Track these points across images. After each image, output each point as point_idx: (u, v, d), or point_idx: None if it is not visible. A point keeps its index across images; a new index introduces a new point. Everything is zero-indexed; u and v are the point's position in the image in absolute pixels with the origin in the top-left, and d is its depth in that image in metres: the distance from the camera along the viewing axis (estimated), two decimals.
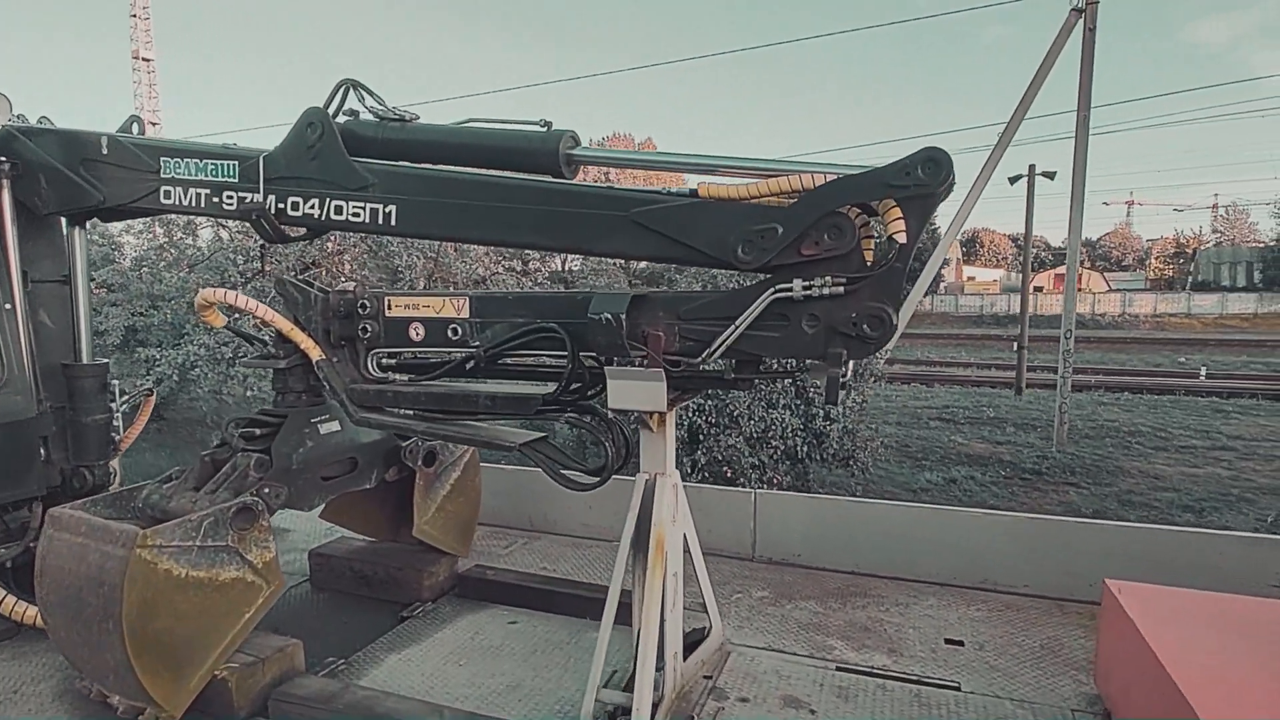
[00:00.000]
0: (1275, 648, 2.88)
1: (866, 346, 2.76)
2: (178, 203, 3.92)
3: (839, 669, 3.73)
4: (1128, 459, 13.48)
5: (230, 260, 12.26)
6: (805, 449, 9.72)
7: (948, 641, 3.99)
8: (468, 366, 3.42)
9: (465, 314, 3.41)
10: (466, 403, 3.47)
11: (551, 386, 3.34)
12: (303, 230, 3.82)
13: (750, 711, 3.37)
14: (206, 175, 3.83)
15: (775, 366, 3.34)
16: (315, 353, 3.69)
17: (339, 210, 3.53)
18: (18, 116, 4.44)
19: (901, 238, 2.62)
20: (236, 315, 4.35)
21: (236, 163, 3.74)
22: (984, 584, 4.63)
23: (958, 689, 3.53)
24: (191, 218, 12.30)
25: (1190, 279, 52.19)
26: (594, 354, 3.12)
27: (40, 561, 3.23)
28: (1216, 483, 12.01)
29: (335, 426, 3.97)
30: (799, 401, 9.61)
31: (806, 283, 2.72)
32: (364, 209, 3.47)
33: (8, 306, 4.20)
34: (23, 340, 4.23)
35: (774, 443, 9.74)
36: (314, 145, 3.53)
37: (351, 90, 3.56)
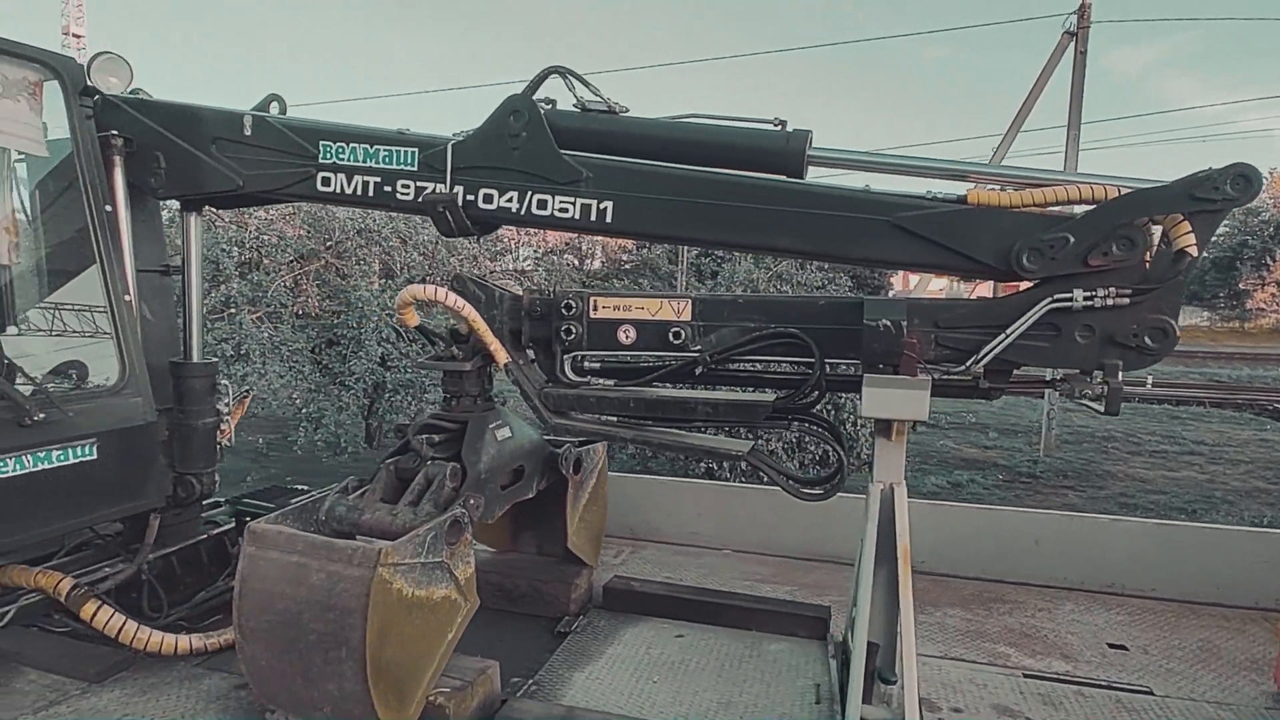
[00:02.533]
0: None
1: (1145, 358, 2.78)
2: (339, 191, 3.64)
3: (1026, 676, 3.76)
4: (1110, 463, 14.22)
5: (224, 252, 11.57)
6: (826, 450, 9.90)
7: (1111, 646, 4.08)
8: (697, 371, 3.27)
9: (687, 316, 3.29)
10: (682, 409, 3.33)
11: (748, 394, 3.26)
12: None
13: None
14: (378, 162, 3.57)
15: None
16: (502, 355, 3.48)
17: (542, 205, 3.35)
18: (134, 91, 4.04)
19: (1193, 250, 2.65)
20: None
21: (417, 150, 3.50)
22: (1112, 588, 4.77)
23: (1151, 693, 3.61)
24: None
25: None
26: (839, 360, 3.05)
27: (240, 584, 2.92)
28: (1196, 485, 12.79)
29: (508, 433, 3.76)
30: (829, 407, 9.76)
31: (1088, 293, 2.73)
32: (573, 204, 3.31)
33: (127, 298, 3.81)
34: (139, 337, 3.86)
35: (810, 449, 9.88)
36: (517, 135, 3.34)
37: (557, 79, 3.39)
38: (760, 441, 3.39)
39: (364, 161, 3.59)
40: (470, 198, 3.43)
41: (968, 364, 2.91)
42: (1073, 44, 14.07)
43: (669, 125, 3.32)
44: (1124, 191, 2.71)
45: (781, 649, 3.92)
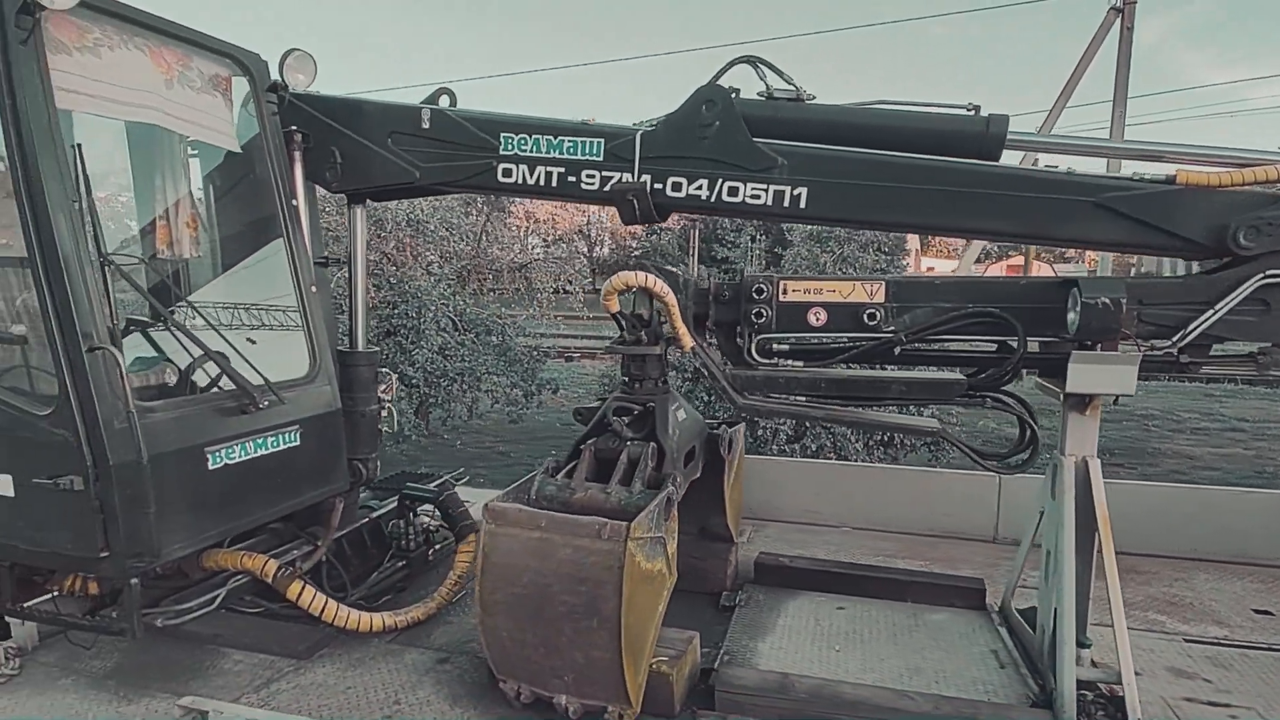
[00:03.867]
0: None
1: None
2: (520, 182, 3.73)
3: (1187, 640, 3.90)
4: (1155, 441, 14.33)
5: None
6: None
7: (1256, 612, 4.23)
8: (896, 351, 3.40)
9: (881, 298, 3.40)
10: (874, 388, 3.46)
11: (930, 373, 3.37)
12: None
13: (1150, 684, 3.48)
14: (562, 153, 3.65)
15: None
16: (688, 340, 3.60)
17: (733, 192, 3.44)
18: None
19: None
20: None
21: (602, 140, 3.58)
22: (1240, 557, 4.90)
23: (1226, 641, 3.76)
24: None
25: (1134, 270, 55.39)
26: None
27: (483, 559, 3.07)
28: (1246, 461, 12.91)
29: (683, 414, 3.89)
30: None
31: None
32: (765, 191, 3.40)
33: (314, 289, 3.94)
34: (324, 327, 3.98)
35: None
36: (710, 124, 3.43)
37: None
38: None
39: (547, 152, 3.68)
40: (658, 186, 3.53)
41: (1174, 339, 3.02)
42: (1119, 19, 14.02)
43: (859, 111, 3.41)
44: None
45: (943, 618, 4.07)
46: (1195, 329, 2.97)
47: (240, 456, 3.36)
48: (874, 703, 3.08)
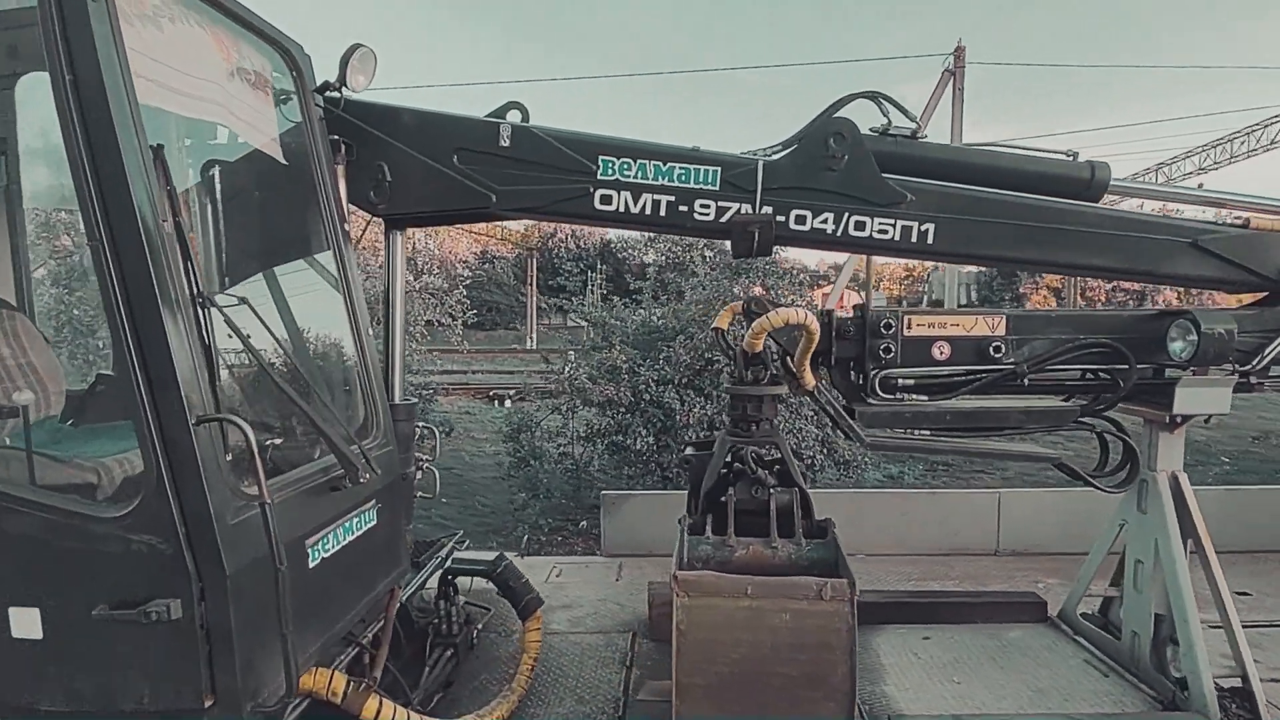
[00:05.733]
0: None
1: None
2: (622, 210, 3.42)
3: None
4: None
5: None
6: (819, 455, 10.56)
7: (1237, 594, 4.86)
8: (1024, 382, 3.50)
9: (1001, 331, 3.52)
10: (997, 419, 3.56)
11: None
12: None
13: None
14: (673, 180, 3.41)
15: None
16: (811, 379, 3.48)
17: (860, 226, 3.41)
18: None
19: None
20: None
21: (719, 169, 3.40)
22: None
23: None
24: None
25: (925, 298, 63.51)
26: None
27: (679, 639, 2.68)
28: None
29: None
30: (812, 411, 10.42)
31: None
32: (893, 226, 3.41)
33: (370, 331, 3.31)
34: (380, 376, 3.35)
35: (806, 453, 10.44)
36: (839, 157, 3.38)
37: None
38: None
39: (654, 179, 3.41)
40: (781, 219, 3.41)
41: (1254, 364, 3.42)
42: (951, 80, 16.18)
43: (975, 151, 3.54)
44: None
45: (1020, 635, 4.26)
46: (1271, 353, 3.40)
47: (333, 547, 2.71)
48: None
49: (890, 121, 3.50)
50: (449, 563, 4.09)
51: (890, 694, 3.65)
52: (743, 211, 3.40)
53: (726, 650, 2.66)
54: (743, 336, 3.62)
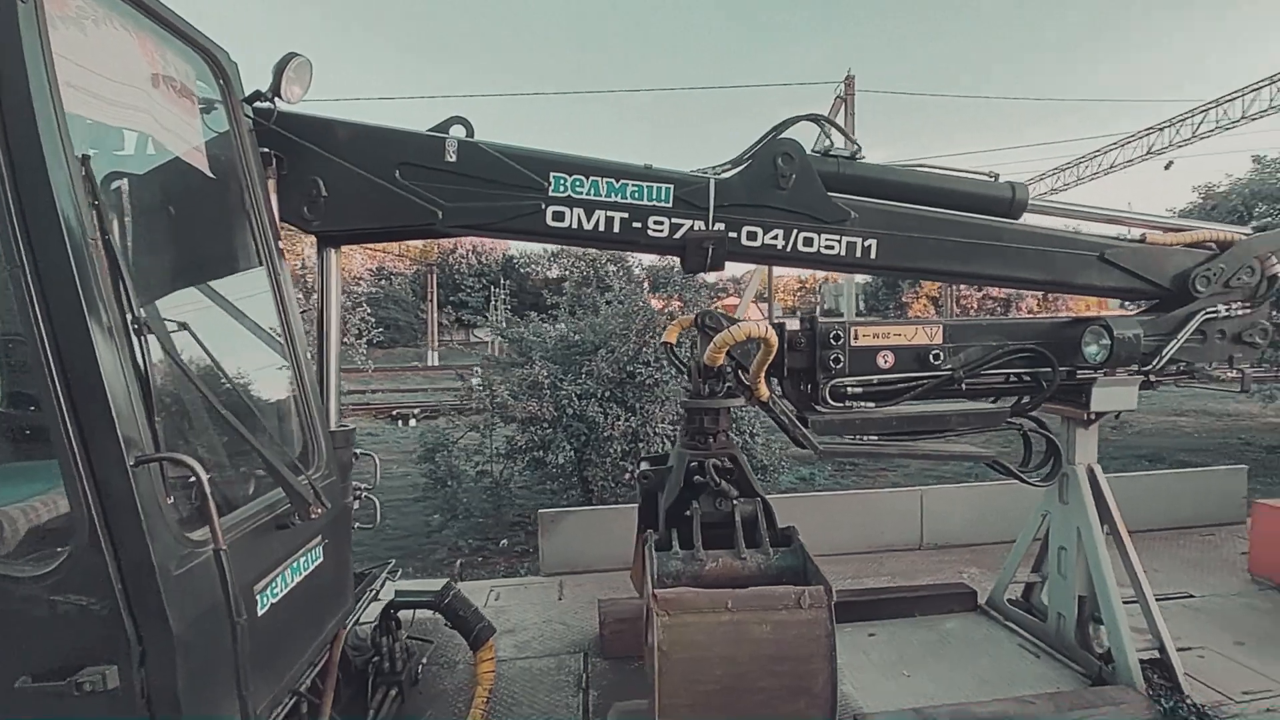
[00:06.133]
0: None
1: (1255, 351, 3.91)
2: (575, 227, 3.37)
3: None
4: None
5: None
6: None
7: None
8: (962, 387, 3.70)
9: (939, 340, 3.71)
10: (939, 422, 3.73)
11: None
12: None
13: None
14: (626, 198, 3.40)
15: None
16: (764, 389, 3.54)
17: (808, 242, 3.52)
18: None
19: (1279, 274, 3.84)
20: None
21: (672, 186, 3.42)
22: None
23: (1192, 596, 4.89)
24: None
25: (818, 308, 66.58)
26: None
27: (661, 660, 2.62)
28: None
29: None
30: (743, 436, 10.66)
31: (1228, 306, 3.79)
32: (838, 242, 3.54)
33: (310, 355, 3.09)
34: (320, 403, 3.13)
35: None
36: (787, 176, 3.47)
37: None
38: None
39: (608, 196, 3.39)
40: (733, 235, 3.46)
41: (1153, 364, 3.78)
42: (843, 106, 17.09)
43: (911, 172, 3.73)
44: (1242, 236, 3.81)
45: (956, 625, 4.49)
46: (1167, 354, 3.77)
47: (282, 591, 2.50)
48: (1007, 715, 3.30)
49: (831, 143, 3.64)
50: (385, 594, 3.86)
51: (849, 693, 3.74)
52: (696, 228, 3.42)
53: (710, 667, 2.64)
54: (688, 349, 3.65)
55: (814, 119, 3.62)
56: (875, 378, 3.70)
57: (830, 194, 3.53)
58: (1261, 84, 22.76)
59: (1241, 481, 6.69)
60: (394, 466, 13.24)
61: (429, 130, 3.37)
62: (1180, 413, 18.53)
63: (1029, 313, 42.40)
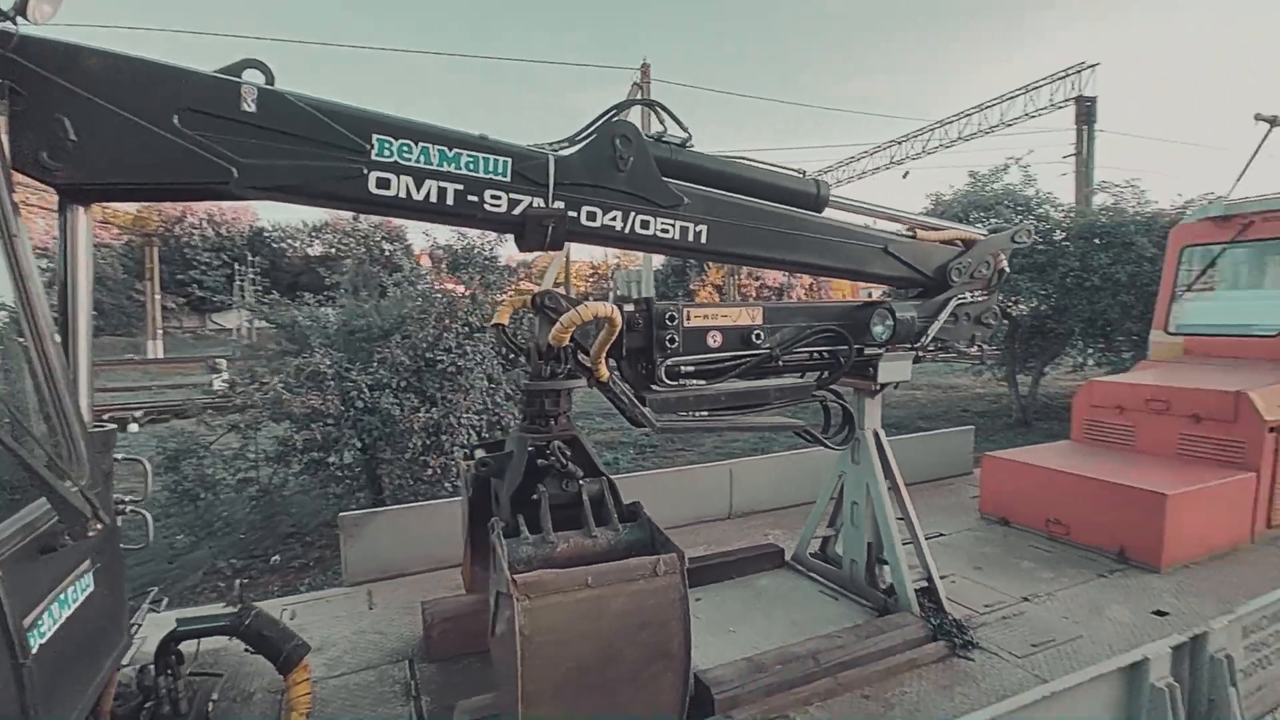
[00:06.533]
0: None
1: (989, 330, 4.77)
2: (403, 195, 3.14)
3: None
4: None
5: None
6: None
7: None
8: (779, 364, 4.04)
9: (760, 321, 4.02)
10: (761, 396, 4.06)
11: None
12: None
13: None
14: (460, 168, 3.23)
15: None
16: (605, 370, 3.60)
17: (645, 225, 3.63)
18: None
19: (1007, 268, 4.72)
20: None
21: (510, 160, 3.32)
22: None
23: (943, 535, 5.87)
24: None
25: (611, 294, 68.53)
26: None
27: (523, 645, 2.53)
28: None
29: None
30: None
31: (972, 293, 4.58)
32: (673, 226, 3.70)
33: (57, 338, 2.54)
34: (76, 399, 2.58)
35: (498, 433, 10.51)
36: (625, 158, 3.53)
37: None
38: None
39: (440, 165, 3.19)
40: (573, 214, 3.46)
41: (922, 341, 4.46)
42: (640, 91, 17.72)
43: (736, 164, 3.98)
44: (982, 236, 4.63)
45: (769, 582, 4.95)
46: (932, 333, 4.46)
47: (52, 626, 2.07)
48: (820, 649, 3.73)
49: (665, 129, 3.76)
50: (147, 629, 3.29)
51: None
52: (535, 205, 3.35)
53: (574, 645, 2.64)
54: (513, 328, 3.59)
55: (649, 104, 3.73)
56: (706, 356, 3.93)
57: (665, 180, 3.66)
58: (970, 111, 27.72)
59: (969, 440, 8.18)
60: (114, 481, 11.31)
61: (216, 72, 2.89)
62: (916, 387, 22.06)
63: (798, 300, 47.40)
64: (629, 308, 3.76)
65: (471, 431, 8.75)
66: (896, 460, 4.64)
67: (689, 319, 3.85)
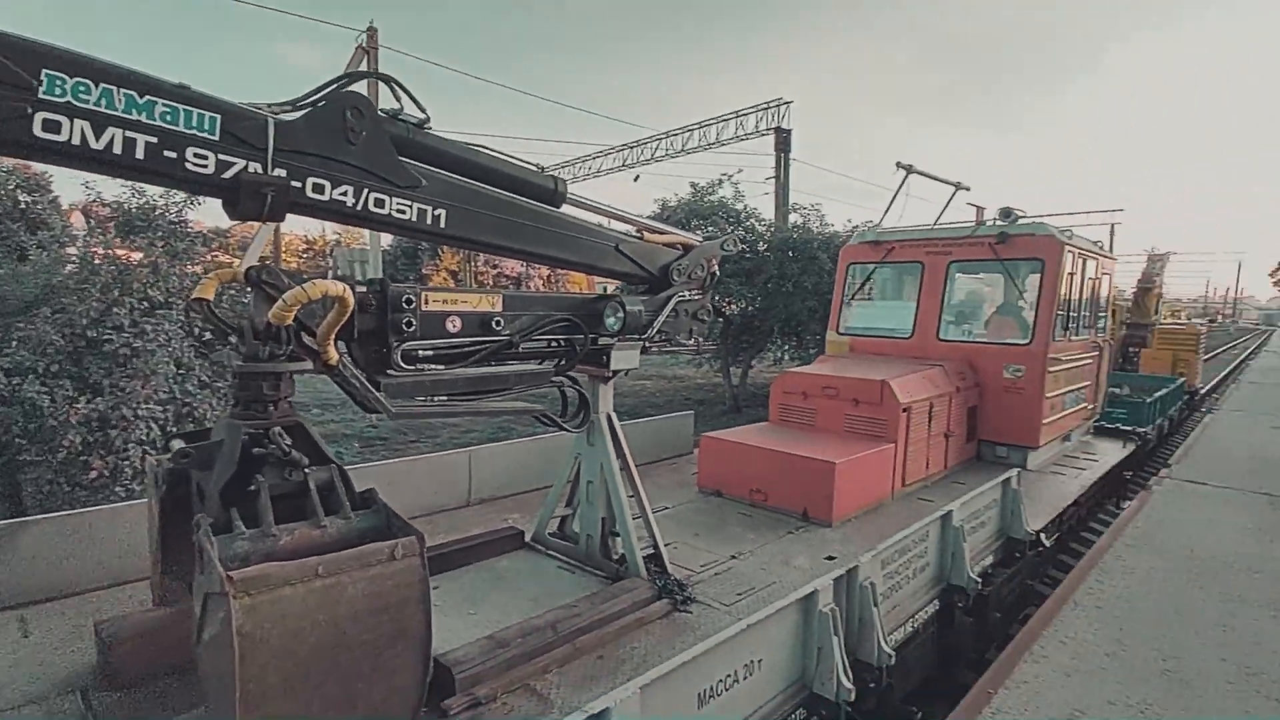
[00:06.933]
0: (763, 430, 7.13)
1: (704, 325, 5.42)
2: (77, 143, 2.70)
3: None
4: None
5: None
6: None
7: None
8: (519, 350, 4.13)
9: (499, 308, 4.10)
10: (500, 381, 4.13)
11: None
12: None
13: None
14: (154, 119, 2.85)
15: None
16: (335, 353, 3.42)
17: (380, 204, 3.53)
18: None
19: (718, 272, 5.42)
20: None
21: (219, 117, 3.01)
22: None
23: (668, 507, 6.51)
24: None
25: (331, 273, 62.70)
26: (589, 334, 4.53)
27: (242, 646, 2.29)
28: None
29: None
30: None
31: (690, 291, 5.18)
32: (410, 208, 3.64)
33: None
34: None
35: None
36: (357, 131, 3.38)
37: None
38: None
39: (127, 112, 2.80)
40: (297, 184, 3.24)
41: (648, 333, 4.92)
42: (366, 57, 16.65)
43: (476, 151, 4.01)
44: (699, 242, 5.25)
45: (510, 563, 5.07)
46: (657, 326, 4.96)
47: None
48: (559, 619, 3.93)
49: (401, 106, 3.66)
50: None
51: None
52: (252, 170, 3.06)
53: (305, 635, 2.50)
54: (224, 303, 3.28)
55: (386, 79, 3.60)
56: (445, 341, 3.91)
57: (414, 162, 3.58)
58: (693, 127, 30.62)
59: (690, 424, 9.16)
60: None
61: None
62: (646, 377, 23.84)
63: (537, 290, 47.93)
64: (361, 289, 3.60)
65: (153, 425, 7.51)
66: (628, 442, 5.05)
67: (427, 303, 3.81)
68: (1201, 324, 27.97)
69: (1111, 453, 10.70)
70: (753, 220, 16.94)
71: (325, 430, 15.66)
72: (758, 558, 5.57)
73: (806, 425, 7.84)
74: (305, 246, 69.67)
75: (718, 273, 5.38)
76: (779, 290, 15.33)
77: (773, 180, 24.71)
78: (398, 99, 3.65)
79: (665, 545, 5.00)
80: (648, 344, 5.08)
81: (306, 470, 3.14)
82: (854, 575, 4.59)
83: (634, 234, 4.88)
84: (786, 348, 17.33)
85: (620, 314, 4.54)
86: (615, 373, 4.88)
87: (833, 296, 10.81)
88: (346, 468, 3.38)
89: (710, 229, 15.47)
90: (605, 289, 5.77)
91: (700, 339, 5.41)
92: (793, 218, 18.48)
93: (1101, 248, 10.99)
